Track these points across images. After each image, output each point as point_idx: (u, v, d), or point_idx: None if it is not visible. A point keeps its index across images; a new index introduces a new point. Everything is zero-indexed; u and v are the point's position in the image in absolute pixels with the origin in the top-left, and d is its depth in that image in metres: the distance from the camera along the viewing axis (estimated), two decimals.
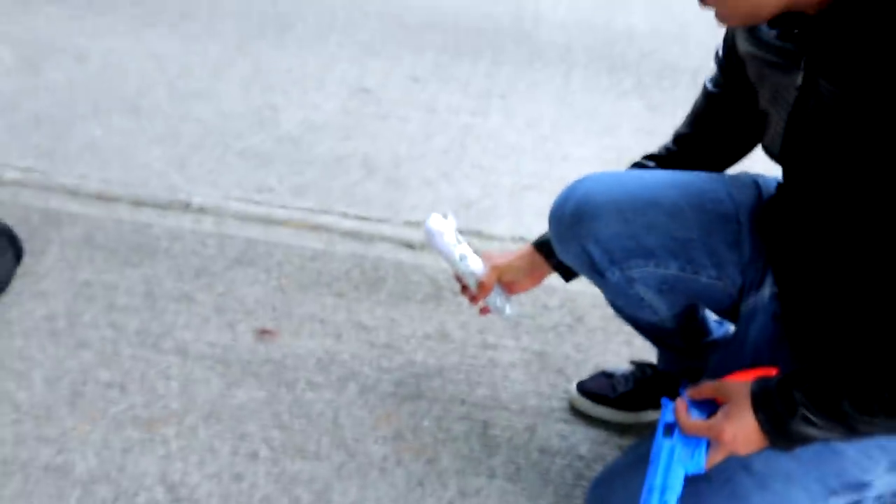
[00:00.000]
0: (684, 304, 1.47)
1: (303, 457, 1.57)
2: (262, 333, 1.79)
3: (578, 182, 1.46)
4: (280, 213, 2.23)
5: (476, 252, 1.55)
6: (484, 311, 1.59)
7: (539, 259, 1.53)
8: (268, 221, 2.19)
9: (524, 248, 1.55)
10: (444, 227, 1.52)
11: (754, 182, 1.39)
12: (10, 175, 2.36)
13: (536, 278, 1.56)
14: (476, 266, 1.53)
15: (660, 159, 1.51)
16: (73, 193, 2.28)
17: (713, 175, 1.41)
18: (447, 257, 1.53)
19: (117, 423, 1.61)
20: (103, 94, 2.78)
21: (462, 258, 1.52)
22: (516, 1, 3.58)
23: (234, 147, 2.53)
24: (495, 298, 1.55)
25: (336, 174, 2.41)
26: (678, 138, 1.50)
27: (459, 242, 1.53)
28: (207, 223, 2.18)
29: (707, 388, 1.19)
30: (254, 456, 1.57)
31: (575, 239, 1.42)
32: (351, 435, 1.61)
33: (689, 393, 1.20)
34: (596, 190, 1.42)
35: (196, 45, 3.10)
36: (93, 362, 1.75)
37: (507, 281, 1.56)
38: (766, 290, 1.33)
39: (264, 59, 3.03)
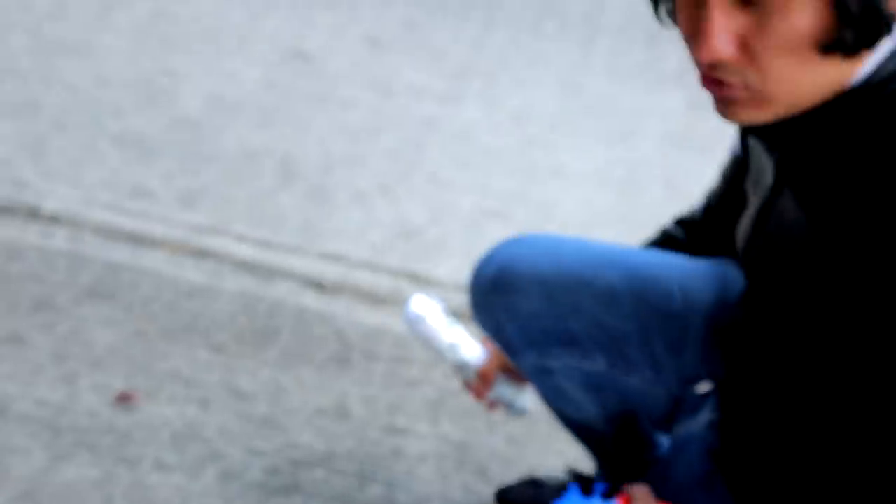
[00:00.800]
0: (618, 407, 1.81)
1: None
2: (122, 399, 2.16)
3: (506, 243, 1.79)
4: (157, 231, 2.61)
5: (473, 336, 1.87)
6: (493, 406, 1.92)
7: None
8: (139, 240, 2.58)
9: None
10: (428, 310, 1.84)
11: (720, 280, 1.68)
12: None
13: None
14: (472, 354, 1.85)
15: (690, 227, 1.79)
16: None
17: (674, 263, 1.71)
18: (435, 346, 1.85)
19: None
20: None
21: (452, 347, 1.84)
22: None
23: (110, 128, 2.92)
24: (502, 390, 1.88)
25: (242, 178, 2.79)
26: (708, 208, 1.77)
27: (451, 328, 1.85)
28: (59, 238, 2.57)
29: None
30: None
31: (490, 310, 1.75)
32: None
33: None
34: (523, 256, 1.74)
35: None
36: None
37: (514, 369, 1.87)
38: (704, 417, 1.66)
39: (170, 1, 3.42)
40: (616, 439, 1.86)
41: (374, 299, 2.44)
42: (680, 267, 1.70)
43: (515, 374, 1.89)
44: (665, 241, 1.83)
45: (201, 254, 2.56)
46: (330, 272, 2.53)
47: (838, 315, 1.26)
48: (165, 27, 3.30)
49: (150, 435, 2.15)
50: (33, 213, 2.63)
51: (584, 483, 1.59)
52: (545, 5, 3.53)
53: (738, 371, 1.58)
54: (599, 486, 1.57)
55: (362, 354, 2.34)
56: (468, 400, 2.26)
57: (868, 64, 1.16)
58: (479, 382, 1.87)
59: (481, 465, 2.14)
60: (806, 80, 1.15)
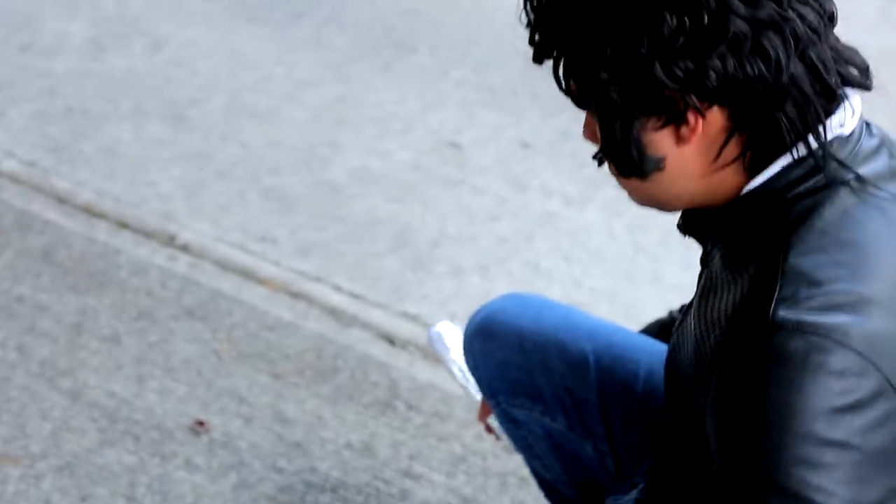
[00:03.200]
0: (580, 474, 1.79)
1: None
2: (197, 425, 2.28)
3: (501, 296, 1.86)
4: (267, 271, 2.74)
5: None
6: (489, 430, 1.95)
7: None
8: (247, 276, 2.72)
9: None
10: (448, 333, 1.92)
11: None
12: (8, 166, 3.07)
13: None
14: (475, 381, 1.89)
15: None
16: (61, 200, 2.94)
17: (652, 349, 1.70)
18: (446, 366, 1.93)
19: None
20: (152, 93, 3.47)
21: (459, 370, 1.90)
22: None
23: (262, 183, 3.09)
24: (496, 423, 1.90)
25: (360, 240, 2.90)
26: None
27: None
28: (182, 263, 2.74)
29: None
30: None
31: (471, 352, 1.81)
32: None
33: None
34: (507, 310, 1.80)
35: (290, 55, 3.74)
36: None
37: None
38: (633, 495, 1.63)
39: (359, 85, 3.60)
40: None
41: (435, 358, 2.47)
42: (656, 354, 1.69)
43: None
44: (659, 329, 1.83)
45: (297, 296, 2.66)
46: (403, 330, 2.59)
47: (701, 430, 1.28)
48: (344, 108, 3.47)
49: (191, 437, 2.25)
50: (169, 241, 2.82)
51: None
52: None
53: (654, 457, 1.58)
54: None
55: (406, 404, 2.38)
56: (491, 462, 2.26)
57: (764, 175, 1.21)
58: (480, 410, 1.90)
59: None
60: (673, 191, 1.26)
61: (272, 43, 3.82)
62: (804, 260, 1.17)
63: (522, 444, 1.82)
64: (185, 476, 2.17)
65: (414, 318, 2.64)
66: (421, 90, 3.59)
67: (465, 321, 1.84)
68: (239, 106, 3.45)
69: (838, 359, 1.13)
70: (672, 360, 1.38)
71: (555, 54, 1.22)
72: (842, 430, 1.13)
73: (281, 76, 3.63)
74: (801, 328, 1.13)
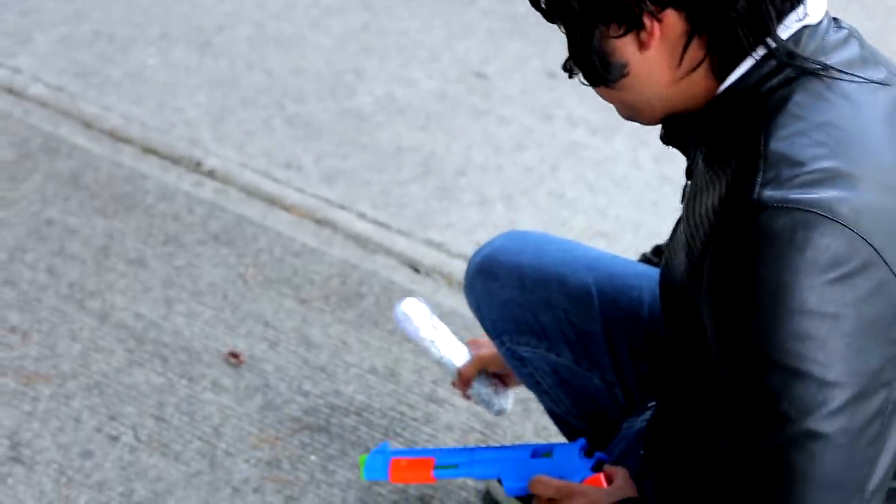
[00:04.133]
0: (590, 406, 1.79)
1: (162, 453, 2.06)
2: (231, 356, 2.29)
3: (500, 235, 1.86)
4: (292, 197, 2.74)
5: (462, 340, 1.92)
6: (474, 401, 1.96)
7: None
8: (272, 202, 2.71)
9: None
10: (417, 311, 1.91)
11: None
12: (35, 91, 3.06)
13: None
14: (452, 353, 1.91)
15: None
16: (87, 124, 2.94)
17: (649, 272, 1.71)
18: (419, 344, 1.92)
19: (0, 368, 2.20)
20: (179, 20, 3.45)
21: (433, 344, 1.90)
22: None
23: (288, 110, 3.08)
24: (480, 390, 1.93)
25: (385, 168, 2.89)
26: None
27: (436, 328, 1.91)
28: (208, 189, 2.74)
29: (554, 486, 1.53)
30: (114, 439, 2.08)
31: (473, 292, 1.82)
32: (225, 447, 2.08)
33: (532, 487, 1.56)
34: (507, 248, 1.80)
35: None
36: (10, 302, 2.35)
37: (497, 373, 1.92)
38: (646, 415, 1.63)
39: (384, 14, 3.57)
40: (595, 438, 1.85)
41: (460, 286, 2.47)
42: (657, 279, 1.69)
43: (496, 377, 1.92)
44: (656, 254, 1.84)
45: (321, 222, 2.66)
46: (429, 257, 2.59)
47: (700, 338, 1.30)
48: (369, 36, 3.45)
49: (216, 359, 2.26)
50: (195, 166, 2.81)
51: (589, 448, 1.61)
52: None
53: (659, 376, 1.59)
54: (598, 454, 1.58)
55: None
56: (516, 389, 2.27)
57: (733, 75, 1.26)
58: (459, 380, 1.90)
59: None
60: (645, 98, 1.31)
61: None
62: (784, 143, 1.20)
63: (530, 381, 1.83)
64: (212, 397, 2.19)
65: (438, 246, 2.63)
66: (447, 19, 3.55)
67: None
68: (264, 33, 3.42)
69: (825, 232, 1.15)
70: (665, 271, 1.41)
71: None
72: (834, 302, 1.15)
73: (306, 3, 3.60)
74: (785, 205, 1.16)
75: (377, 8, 3.60)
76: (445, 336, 1.91)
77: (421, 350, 1.94)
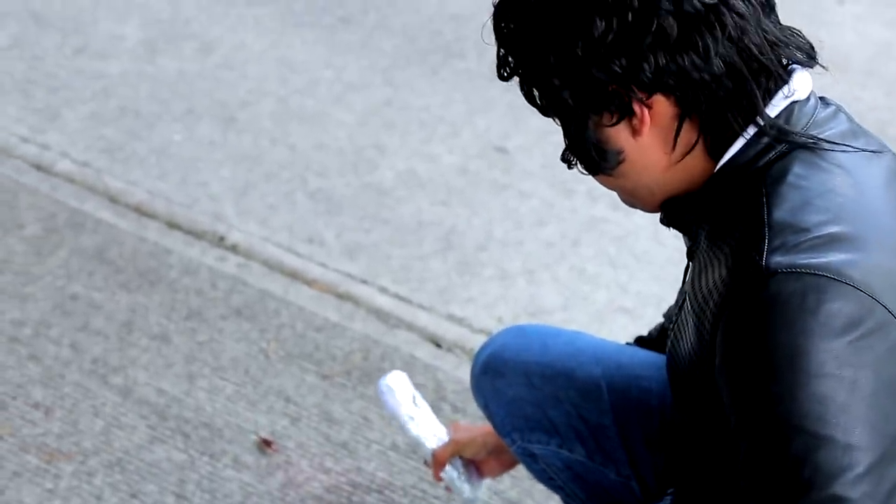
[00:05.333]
0: (609, 501, 1.76)
1: None
2: (263, 444, 2.27)
3: (504, 331, 1.86)
4: (314, 272, 2.74)
5: (437, 420, 1.91)
6: (447, 487, 1.94)
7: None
8: (295, 277, 2.72)
9: None
10: (400, 386, 1.90)
11: None
12: (63, 167, 3.08)
13: (506, 462, 1.90)
14: (429, 433, 1.88)
15: (651, 342, 1.78)
16: (113, 200, 2.95)
17: (657, 360, 1.68)
18: (397, 419, 1.90)
19: (22, 445, 2.18)
20: (203, 96, 3.48)
21: (410, 422, 1.87)
22: None
23: (310, 185, 3.09)
24: (452, 475, 1.90)
25: (406, 242, 2.89)
26: (663, 328, 1.77)
27: (417, 406, 1.90)
28: (231, 264, 2.75)
29: None
30: None
31: (480, 391, 1.80)
32: None
33: None
34: (512, 345, 1.79)
35: (338, 59, 3.74)
36: (34, 378, 2.35)
37: (473, 459, 1.90)
38: (666, 502, 1.61)
39: (407, 89, 3.59)
40: None
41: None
42: (663, 367, 1.68)
43: (472, 464, 1.89)
44: (659, 335, 1.82)
45: (343, 297, 2.66)
46: (451, 332, 2.58)
47: (716, 415, 1.28)
48: (392, 112, 3.47)
49: (238, 436, 2.25)
50: (219, 241, 2.82)
51: None
52: None
53: (676, 463, 1.57)
54: None
55: (452, 406, 2.37)
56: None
57: (728, 153, 1.27)
58: (433, 461, 1.88)
59: None
60: (643, 184, 1.32)
61: (321, 47, 3.82)
62: (787, 212, 1.22)
63: (543, 476, 1.81)
64: (233, 475, 2.17)
65: (460, 321, 2.62)
66: (468, 94, 3.58)
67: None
68: (287, 109, 3.45)
69: (836, 295, 1.15)
70: (673, 353, 1.40)
71: (518, 72, 1.30)
72: (852, 365, 1.14)
73: (329, 80, 3.63)
74: (795, 270, 1.16)
75: (399, 84, 3.63)
76: (425, 415, 1.89)
77: (398, 426, 1.91)
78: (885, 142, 1.38)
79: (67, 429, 2.24)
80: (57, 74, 3.55)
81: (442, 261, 2.84)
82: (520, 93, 1.33)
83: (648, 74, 1.22)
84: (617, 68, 1.22)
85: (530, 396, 1.71)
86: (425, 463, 1.92)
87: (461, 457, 1.89)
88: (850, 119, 1.34)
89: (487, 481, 1.95)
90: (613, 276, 2.83)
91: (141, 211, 2.92)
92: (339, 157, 3.23)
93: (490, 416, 1.79)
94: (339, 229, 2.92)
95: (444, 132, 3.39)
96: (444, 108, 3.50)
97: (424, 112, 3.49)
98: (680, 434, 1.50)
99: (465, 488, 1.89)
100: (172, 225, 2.88)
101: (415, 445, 1.92)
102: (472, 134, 3.38)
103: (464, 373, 2.47)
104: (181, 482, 2.15)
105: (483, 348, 1.80)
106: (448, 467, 1.88)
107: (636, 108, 1.24)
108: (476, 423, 2.03)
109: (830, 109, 1.32)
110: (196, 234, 2.85)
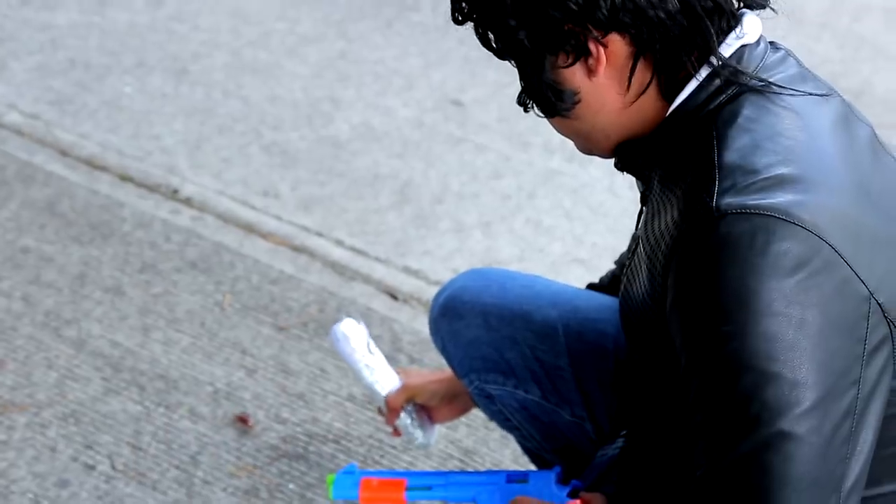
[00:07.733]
0: (561, 441, 1.79)
1: (139, 482, 2.05)
2: (239, 420, 2.25)
3: (462, 274, 1.88)
4: (269, 225, 2.74)
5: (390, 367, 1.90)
6: (396, 433, 1.94)
7: (460, 387, 1.86)
8: (249, 230, 2.72)
9: (446, 370, 1.89)
10: (354, 333, 1.89)
11: None
12: (11, 119, 3.06)
13: (457, 408, 1.90)
14: (382, 381, 1.88)
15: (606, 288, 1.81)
16: (64, 153, 2.93)
17: (612, 303, 1.69)
18: (351, 366, 1.90)
19: None
20: (155, 48, 3.45)
21: (364, 369, 1.87)
22: None
23: (265, 138, 3.09)
24: (406, 422, 1.90)
25: (362, 195, 2.89)
26: (615, 276, 1.81)
27: (371, 353, 1.89)
28: (185, 217, 2.74)
29: None
30: (90, 468, 2.06)
31: (438, 333, 1.82)
32: (203, 476, 2.07)
33: None
34: (470, 287, 1.80)
35: (293, 11, 3.73)
36: None
37: (424, 405, 1.90)
38: (618, 443, 1.64)
39: (361, 42, 3.59)
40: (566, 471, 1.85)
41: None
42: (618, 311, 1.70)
43: (424, 410, 1.90)
44: (611, 280, 1.84)
45: (297, 249, 2.67)
46: (407, 284, 2.59)
47: (667, 358, 1.31)
48: (346, 65, 3.46)
49: (194, 387, 2.26)
50: (172, 194, 2.81)
51: (566, 475, 1.61)
52: None
53: (628, 403, 1.60)
54: (574, 482, 1.59)
55: (409, 357, 2.38)
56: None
57: (681, 96, 1.29)
58: (386, 408, 1.88)
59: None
60: (599, 127, 1.34)
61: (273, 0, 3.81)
62: (737, 154, 1.24)
63: (499, 417, 1.83)
64: (189, 426, 2.18)
65: (416, 273, 2.64)
66: (423, 47, 3.58)
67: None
68: (241, 61, 3.43)
69: (785, 235, 1.18)
70: (625, 297, 1.42)
71: (473, 16, 1.31)
72: (800, 303, 1.17)
73: (282, 32, 3.61)
74: (744, 211, 1.19)
75: (353, 36, 3.62)
76: (379, 362, 1.88)
77: (353, 373, 1.91)
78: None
79: (21, 381, 2.23)
80: (2, 25, 3.51)
81: (398, 213, 2.85)
82: (475, 46, 1.33)
83: (604, 12, 1.23)
84: (573, 6, 1.23)
85: (488, 338, 1.73)
86: (379, 410, 1.93)
87: (413, 402, 1.91)
88: (799, 63, 1.36)
89: (441, 429, 1.97)
90: (569, 227, 2.86)
91: (92, 164, 2.91)
92: (293, 110, 3.22)
93: (448, 357, 1.81)
94: (294, 182, 2.92)
95: (399, 85, 3.39)
96: (399, 61, 3.50)
97: (379, 65, 3.48)
98: (633, 376, 1.52)
99: (419, 434, 1.91)
100: (125, 178, 2.87)
101: (369, 392, 1.93)
102: (428, 87, 3.39)
103: (420, 324, 2.49)
104: (136, 433, 2.15)
105: (442, 290, 1.82)
106: (402, 413, 1.90)
107: (592, 47, 1.26)
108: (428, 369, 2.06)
109: (780, 53, 1.34)
110: (149, 188, 2.84)
